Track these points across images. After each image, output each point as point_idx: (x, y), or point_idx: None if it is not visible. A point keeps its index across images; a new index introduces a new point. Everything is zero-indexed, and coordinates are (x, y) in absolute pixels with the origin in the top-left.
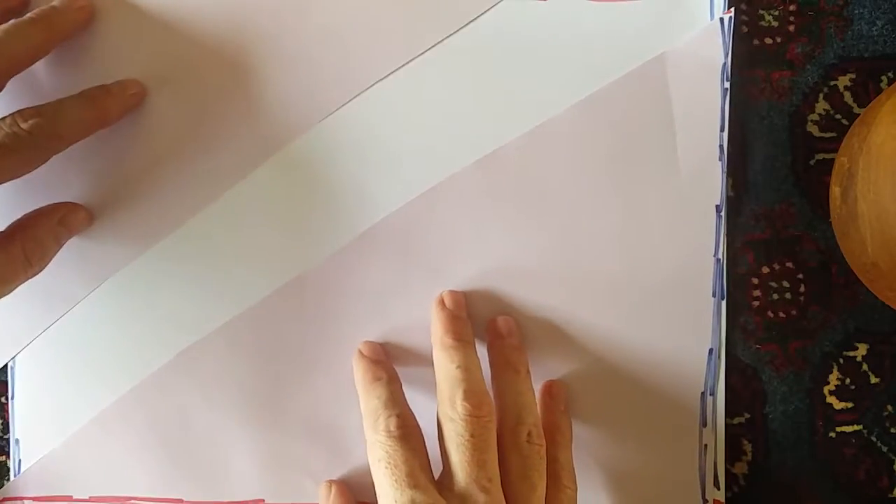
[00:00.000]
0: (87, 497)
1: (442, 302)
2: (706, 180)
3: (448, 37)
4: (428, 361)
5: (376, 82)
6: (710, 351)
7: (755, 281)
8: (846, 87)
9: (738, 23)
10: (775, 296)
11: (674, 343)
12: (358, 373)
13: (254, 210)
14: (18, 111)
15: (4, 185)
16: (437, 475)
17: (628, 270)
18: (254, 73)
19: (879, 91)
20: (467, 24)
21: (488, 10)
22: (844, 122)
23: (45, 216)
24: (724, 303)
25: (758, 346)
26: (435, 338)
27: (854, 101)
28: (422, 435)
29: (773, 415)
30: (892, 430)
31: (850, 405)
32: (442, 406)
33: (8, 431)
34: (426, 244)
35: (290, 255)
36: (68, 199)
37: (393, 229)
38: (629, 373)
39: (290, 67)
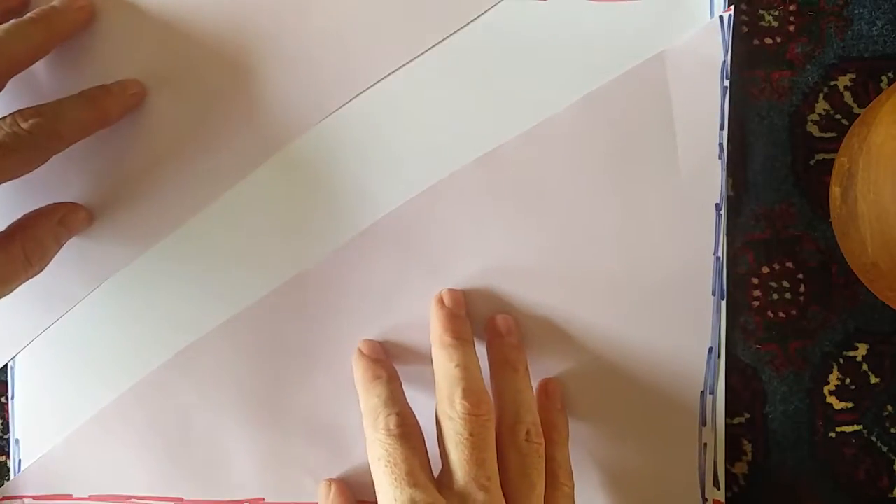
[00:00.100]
0: (86, 496)
1: (441, 300)
2: (706, 179)
3: (448, 37)
4: (427, 360)
5: (377, 82)
6: (710, 350)
7: (755, 281)
8: (846, 87)
9: (738, 23)
10: (775, 296)
11: (673, 342)
12: (357, 371)
13: (253, 209)
14: (18, 111)
15: (4, 185)
16: (436, 474)
17: (628, 269)
18: (254, 72)
19: (879, 91)
20: (467, 25)
21: (488, 10)
22: (844, 122)
23: (45, 216)
24: (723, 302)
25: (758, 346)
26: (434, 336)
27: (854, 101)
28: (421, 433)
29: (773, 415)
30: (892, 430)
31: (850, 405)
32: (441, 404)
33: (8, 431)
34: (425, 243)
35: (289, 253)
36: (68, 199)
37: (392, 228)
38: (629, 371)
39: (290, 67)
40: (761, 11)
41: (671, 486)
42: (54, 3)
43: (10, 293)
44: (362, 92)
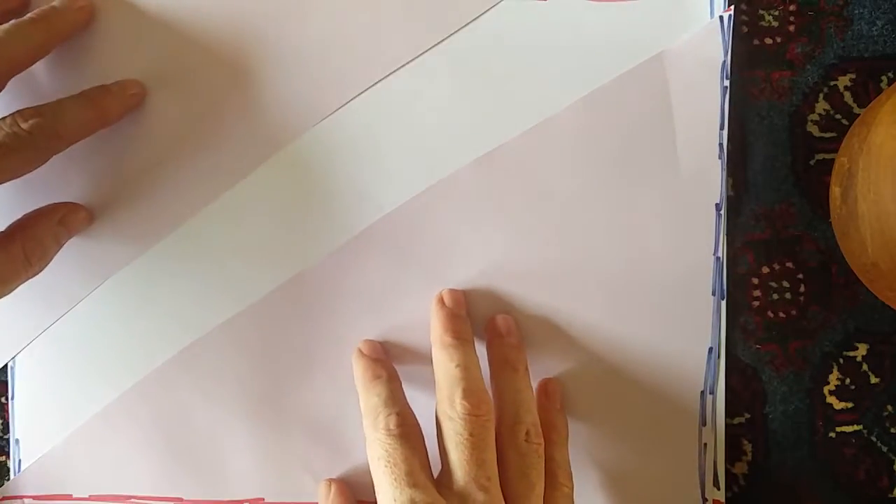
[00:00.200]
0: (86, 495)
1: (441, 300)
2: (706, 178)
3: (447, 37)
4: (427, 360)
5: (375, 83)
6: (710, 350)
7: (755, 281)
8: (846, 87)
9: (738, 22)
10: (775, 296)
11: (673, 342)
12: (357, 371)
13: (254, 208)
14: (18, 111)
15: (4, 185)
16: (435, 473)
17: (628, 268)
18: (253, 73)
19: (879, 91)
20: (466, 25)
21: (487, 10)
22: (844, 122)
23: (46, 216)
24: (723, 302)
25: (758, 346)
26: (434, 336)
27: (854, 101)
28: (421, 433)
29: (773, 415)
30: (892, 430)
31: (850, 405)
32: (441, 405)
33: (8, 431)
34: (426, 242)
35: (290, 253)
36: (68, 198)
37: (393, 228)
38: (629, 371)
39: (289, 68)
40: (761, 11)
41: (671, 486)
42: (54, 4)
43: (10, 293)
44: (361, 93)
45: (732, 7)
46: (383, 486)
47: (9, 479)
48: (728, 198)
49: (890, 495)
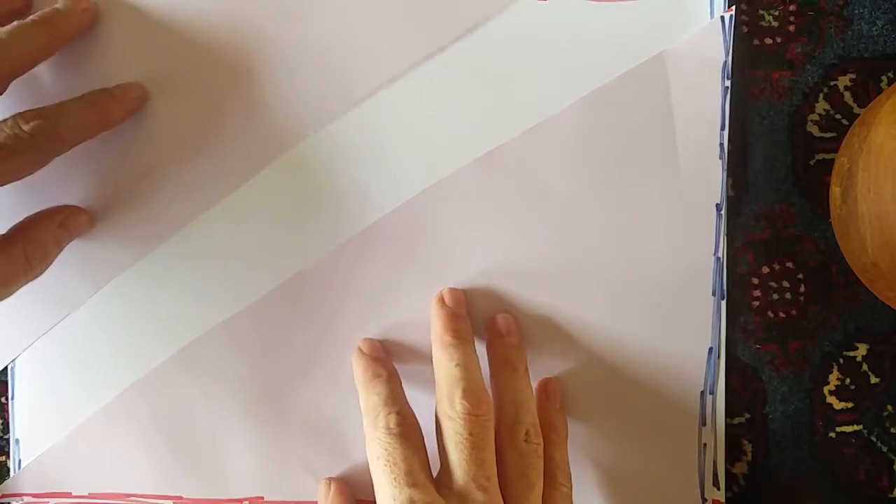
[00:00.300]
0: (86, 493)
1: (442, 299)
2: (706, 179)
3: (451, 44)
4: (427, 359)
5: (377, 89)
6: (710, 350)
7: (755, 281)
8: (846, 87)
9: (738, 23)
10: (775, 296)
11: (673, 342)
12: (357, 370)
13: (255, 210)
14: (20, 113)
15: (6, 187)
16: (434, 472)
17: (628, 268)
18: (255, 76)
19: (879, 91)
20: (469, 32)
21: (492, 17)
22: (844, 122)
23: (47, 219)
24: (723, 302)
25: (758, 346)
26: (434, 335)
27: (854, 101)
28: (421, 432)
29: (773, 415)
30: (892, 430)
31: (850, 405)
32: (441, 404)
33: (8, 431)
34: (426, 242)
35: (290, 252)
36: (70, 201)
37: (393, 227)
38: (629, 371)
39: (291, 72)
40: (761, 11)
41: (671, 486)
42: (58, 6)
43: (10, 295)
44: (363, 99)
45: (733, 7)
46: (383, 486)
47: (9, 479)
48: (728, 198)
49: (890, 495)
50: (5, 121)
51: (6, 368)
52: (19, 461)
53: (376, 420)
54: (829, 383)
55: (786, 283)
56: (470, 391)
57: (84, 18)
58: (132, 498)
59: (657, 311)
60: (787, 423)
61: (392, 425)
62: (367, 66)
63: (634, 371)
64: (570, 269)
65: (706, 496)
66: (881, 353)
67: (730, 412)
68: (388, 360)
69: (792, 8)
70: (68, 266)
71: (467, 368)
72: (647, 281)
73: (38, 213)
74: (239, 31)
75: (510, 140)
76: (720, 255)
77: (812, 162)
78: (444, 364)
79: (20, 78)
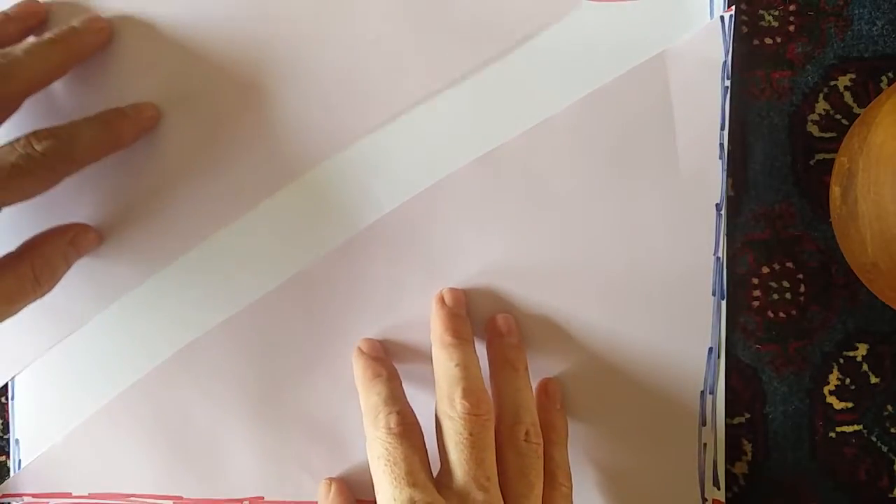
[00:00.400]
0: (86, 493)
1: (442, 299)
2: (706, 179)
3: (466, 75)
4: (427, 359)
5: (389, 120)
6: (710, 350)
7: (755, 281)
8: (846, 87)
9: (738, 22)
10: (775, 296)
11: (673, 342)
12: (358, 370)
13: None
14: (33, 132)
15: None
16: (435, 472)
17: (628, 268)
18: (268, 99)
19: (879, 91)
20: (487, 64)
21: (499, 55)
22: (844, 122)
23: (56, 236)
24: (723, 302)
25: (758, 346)
26: (434, 335)
27: (854, 101)
28: (421, 432)
29: (773, 415)
30: (892, 430)
31: (850, 405)
32: (441, 404)
33: (8, 431)
34: (426, 242)
35: (290, 252)
36: (79, 219)
37: (393, 227)
38: (629, 371)
39: (303, 95)
40: (761, 11)
41: (671, 487)
42: (74, 24)
43: (17, 312)
44: (377, 127)
45: (733, 7)
46: (383, 485)
47: (9, 479)
48: (728, 198)
49: (890, 495)
50: (18, 140)
51: None
52: (19, 461)
53: (377, 420)
54: (829, 383)
55: (786, 283)
56: (470, 391)
57: (100, 37)
58: (132, 498)
59: (657, 311)
60: (787, 423)
61: (392, 425)
62: (380, 96)
63: (634, 371)
64: (570, 268)
65: (706, 496)
66: (881, 353)
67: (730, 412)
68: (388, 359)
69: (792, 8)
70: (75, 283)
71: (467, 368)
72: (648, 281)
73: (47, 230)
74: (253, 54)
75: (510, 140)
76: (720, 255)
77: (812, 162)
78: (444, 364)
79: (34, 95)
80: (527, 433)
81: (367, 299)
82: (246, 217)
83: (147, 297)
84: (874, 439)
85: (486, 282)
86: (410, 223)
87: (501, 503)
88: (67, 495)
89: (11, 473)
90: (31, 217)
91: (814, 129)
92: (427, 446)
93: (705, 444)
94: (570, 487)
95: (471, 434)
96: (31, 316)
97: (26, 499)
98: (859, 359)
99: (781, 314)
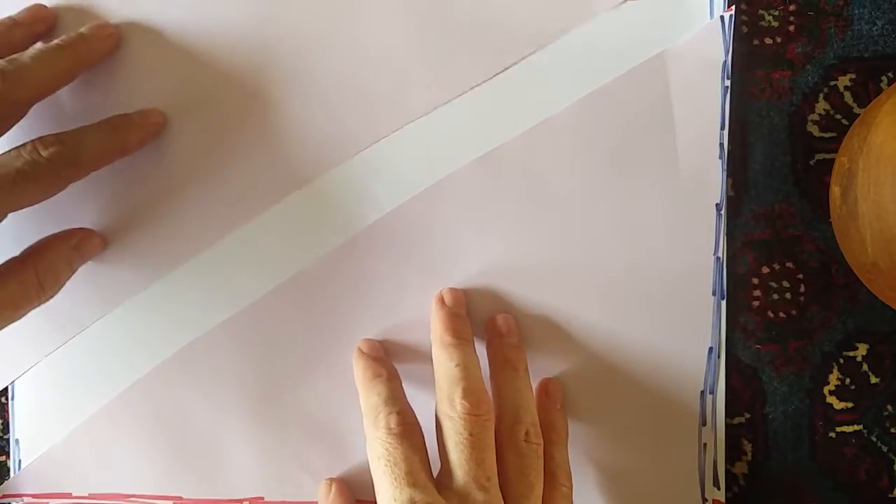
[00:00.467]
0: (86, 494)
1: (441, 300)
2: (706, 178)
3: (470, 80)
4: (427, 359)
5: (398, 128)
6: (710, 349)
7: (755, 281)
8: (846, 87)
9: (738, 22)
10: (775, 296)
11: (674, 341)
12: (358, 370)
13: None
14: (39, 138)
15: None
16: (435, 472)
17: (628, 268)
18: (274, 107)
19: (879, 91)
20: (489, 78)
21: (506, 69)
22: (844, 122)
23: (60, 241)
24: (723, 302)
25: (758, 346)
26: (434, 336)
27: (854, 101)
28: (422, 432)
29: (773, 415)
30: (892, 430)
31: (850, 405)
32: (441, 404)
33: (8, 431)
34: (426, 242)
35: (290, 252)
36: (83, 224)
37: (393, 227)
38: (629, 371)
39: (308, 102)
40: (761, 11)
41: (671, 486)
42: (82, 31)
43: (21, 317)
44: (382, 138)
45: (733, 7)
46: (383, 486)
47: (9, 479)
48: (728, 198)
49: (890, 495)
50: (24, 146)
51: None
52: (19, 461)
53: (377, 420)
54: (829, 383)
55: (786, 283)
56: (470, 391)
57: (107, 44)
58: (132, 498)
59: (657, 311)
60: (787, 423)
61: (393, 425)
62: (385, 107)
63: (634, 371)
64: (570, 268)
65: (706, 496)
66: (881, 353)
67: (730, 412)
68: (388, 359)
69: (792, 8)
70: (79, 288)
71: (467, 368)
72: (648, 280)
73: (51, 235)
74: (259, 61)
75: (510, 140)
76: (720, 254)
77: (812, 162)
78: (444, 364)
79: (41, 101)
80: (527, 433)
81: (367, 299)
82: (254, 234)
83: (149, 300)
84: (874, 439)
85: (486, 282)
86: (410, 223)
87: (502, 503)
88: (67, 496)
89: (11, 473)
90: (36, 222)
91: (814, 129)
92: (427, 446)
93: (705, 444)
94: (571, 487)
95: (471, 434)
96: (33, 320)
97: (26, 499)
98: (859, 359)
99: (781, 314)
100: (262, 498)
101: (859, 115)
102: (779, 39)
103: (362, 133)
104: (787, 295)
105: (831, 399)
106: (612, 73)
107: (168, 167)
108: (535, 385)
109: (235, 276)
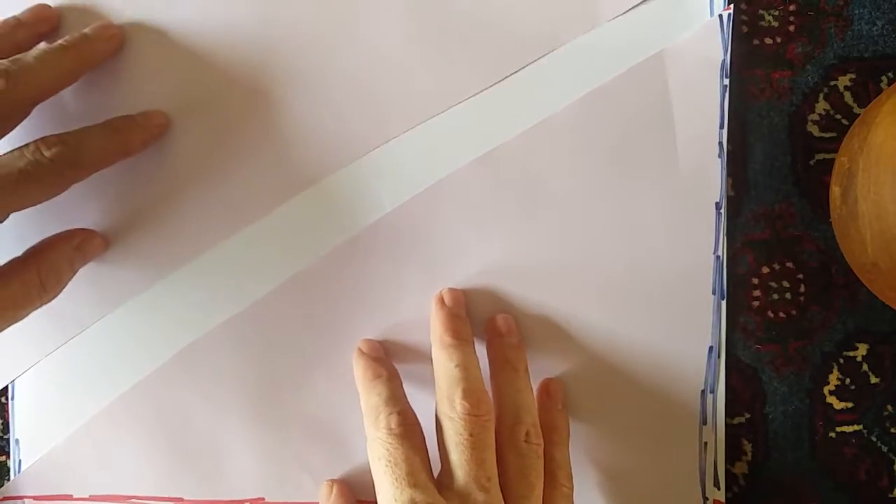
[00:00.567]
0: (87, 496)
1: (441, 300)
2: (706, 177)
3: (473, 82)
4: (427, 359)
5: (397, 126)
6: (710, 349)
7: (755, 281)
8: (846, 87)
9: (738, 22)
10: (775, 296)
11: (674, 341)
12: (358, 370)
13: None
14: (42, 139)
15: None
16: (435, 473)
17: (628, 267)
18: (278, 109)
19: (879, 91)
20: (490, 86)
21: (514, 73)
22: (844, 122)
23: (62, 242)
24: (723, 301)
25: (758, 346)
26: (434, 336)
27: (854, 101)
28: (422, 433)
29: (773, 415)
30: (892, 430)
31: (850, 405)
32: (441, 405)
33: (8, 431)
34: (426, 242)
35: (290, 252)
36: (85, 224)
37: (393, 227)
38: (629, 371)
39: (310, 104)
40: (761, 11)
41: (671, 486)
42: (86, 31)
43: (23, 318)
44: (387, 141)
45: (732, 6)
46: (384, 486)
47: (9, 480)
48: (728, 197)
49: (890, 495)
50: (27, 146)
51: None
52: (19, 461)
53: (377, 420)
54: (829, 383)
55: (786, 283)
56: (470, 391)
57: (111, 45)
58: (133, 500)
59: (657, 310)
60: (787, 423)
61: (393, 425)
62: (391, 106)
63: (634, 370)
64: (570, 268)
65: (707, 495)
66: (881, 353)
67: (730, 412)
68: (389, 360)
69: (792, 8)
70: (80, 288)
71: (467, 369)
72: (648, 280)
73: (53, 236)
74: (264, 63)
75: (510, 140)
76: (720, 253)
77: (812, 162)
78: (444, 364)
79: (44, 101)
80: (527, 434)
81: (368, 299)
82: (257, 236)
83: (150, 301)
84: (874, 439)
85: (485, 282)
86: (410, 223)
87: (502, 503)
88: (68, 497)
89: (11, 473)
90: (38, 222)
91: (814, 129)
92: (428, 447)
93: (706, 443)
94: (571, 488)
95: (471, 435)
96: (34, 319)
97: (27, 501)
98: (859, 359)
99: (781, 314)
100: (263, 499)
101: (859, 115)
102: (779, 39)
103: (367, 134)
104: (787, 295)
105: (831, 399)
106: (612, 73)
107: (171, 168)
108: (535, 385)
109: (236, 277)
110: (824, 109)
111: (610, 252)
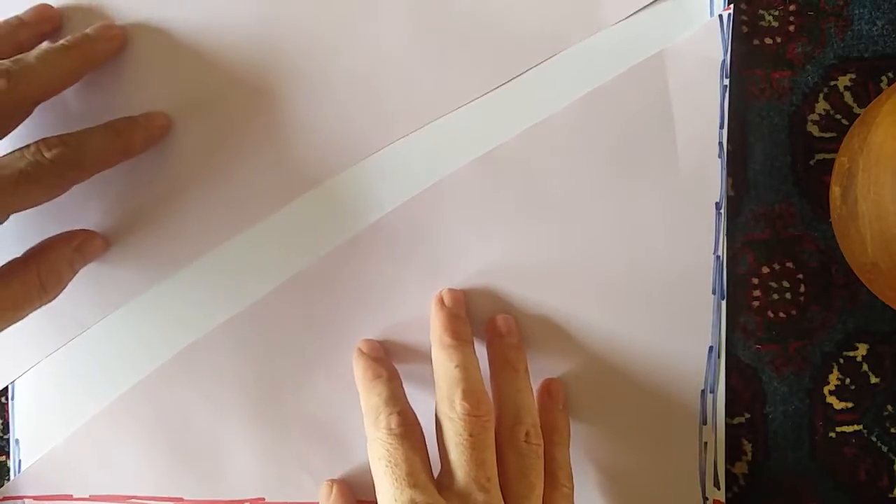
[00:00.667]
0: (87, 496)
1: (441, 300)
2: (706, 177)
3: (476, 84)
4: (427, 360)
5: (401, 138)
6: (710, 349)
7: (755, 281)
8: (846, 87)
9: (738, 22)
10: (775, 296)
11: (674, 341)
12: (358, 371)
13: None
14: (43, 140)
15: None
16: (435, 473)
17: (628, 267)
18: (281, 110)
19: (879, 91)
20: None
21: (519, 75)
22: (844, 122)
23: (62, 243)
24: (723, 301)
25: (758, 346)
26: (434, 336)
27: (854, 101)
28: (422, 433)
29: (773, 415)
30: (892, 430)
31: (850, 405)
32: (441, 405)
33: (8, 431)
34: (426, 242)
35: (290, 252)
36: (85, 225)
37: (392, 227)
38: (629, 371)
39: (312, 104)
40: (761, 11)
41: (672, 486)
42: (88, 32)
43: (23, 319)
44: (391, 143)
45: (732, 6)
46: (384, 486)
47: (9, 480)
48: (728, 197)
49: (890, 495)
50: (28, 147)
51: None
52: (19, 461)
53: (377, 420)
54: (829, 383)
55: (786, 283)
56: (470, 392)
57: (113, 45)
58: (133, 500)
59: (657, 310)
60: (787, 423)
61: (393, 426)
62: (395, 108)
63: (635, 370)
64: (570, 268)
65: (707, 495)
66: (881, 353)
67: (730, 412)
68: (389, 360)
69: (792, 8)
70: (80, 289)
71: (467, 369)
72: (648, 280)
73: (53, 237)
74: (267, 64)
75: (510, 139)
76: (720, 253)
77: (812, 162)
78: (444, 365)
79: (45, 102)
80: (527, 434)
81: (368, 299)
82: (257, 238)
83: (150, 302)
84: (874, 439)
85: (485, 282)
86: (410, 223)
87: (502, 503)
88: (68, 497)
89: (11, 473)
90: (38, 223)
91: (814, 129)
92: (428, 447)
93: (706, 443)
94: (572, 488)
95: (471, 435)
96: (34, 319)
97: (27, 501)
98: (859, 359)
99: (781, 314)
100: (263, 499)
101: (859, 115)
102: (779, 39)
103: (369, 136)
104: (787, 295)
105: (831, 399)
106: (612, 73)
107: (172, 169)
108: (535, 385)
109: (236, 277)
110: (824, 109)
111: (610, 252)
